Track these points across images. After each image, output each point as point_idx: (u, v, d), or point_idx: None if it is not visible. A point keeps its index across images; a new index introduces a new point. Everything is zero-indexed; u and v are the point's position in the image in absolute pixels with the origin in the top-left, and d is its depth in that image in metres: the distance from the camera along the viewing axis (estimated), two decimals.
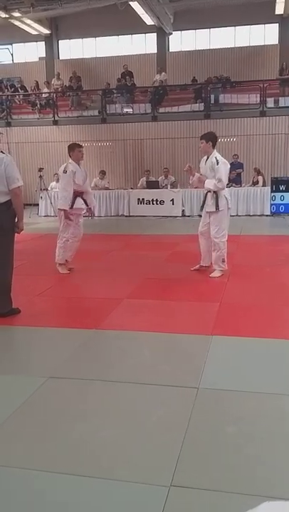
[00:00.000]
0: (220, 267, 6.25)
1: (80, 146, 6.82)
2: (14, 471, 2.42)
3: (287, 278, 6.25)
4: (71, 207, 6.51)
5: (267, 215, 13.21)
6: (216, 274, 6.22)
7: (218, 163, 6.07)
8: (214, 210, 6.12)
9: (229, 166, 6.16)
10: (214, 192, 6.09)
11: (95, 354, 3.93)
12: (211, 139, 6.17)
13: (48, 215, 14.66)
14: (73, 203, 6.54)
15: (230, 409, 2.99)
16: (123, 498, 2.20)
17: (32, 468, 2.43)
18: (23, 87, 19.58)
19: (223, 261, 6.22)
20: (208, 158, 6.21)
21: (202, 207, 6.39)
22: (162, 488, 2.24)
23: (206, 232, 6.34)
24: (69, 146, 6.81)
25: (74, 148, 6.71)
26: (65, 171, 6.58)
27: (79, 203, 6.69)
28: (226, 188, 6.25)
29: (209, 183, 6.13)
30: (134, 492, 2.24)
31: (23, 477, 2.37)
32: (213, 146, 6.17)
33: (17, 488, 2.29)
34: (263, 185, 13.87)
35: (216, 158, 6.12)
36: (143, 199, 13.89)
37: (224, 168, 6.14)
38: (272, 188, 13.13)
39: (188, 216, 13.34)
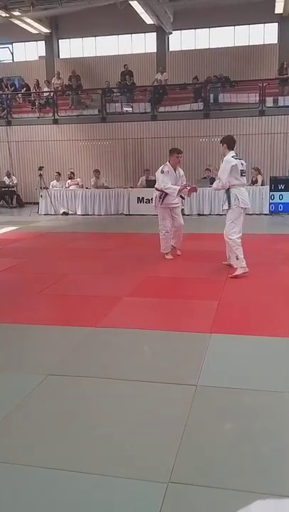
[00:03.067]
0: (236, 265, 6.29)
1: (179, 152, 7.44)
2: (13, 467, 2.44)
3: (286, 277, 6.27)
4: (161, 203, 7.31)
5: (266, 214, 13.23)
6: (236, 272, 6.22)
7: (222, 163, 6.31)
8: (227, 207, 6.31)
9: (232, 164, 6.15)
10: (226, 191, 6.26)
11: (93, 352, 3.95)
12: (226, 141, 6.43)
13: (48, 214, 14.68)
14: (163, 199, 7.28)
15: (229, 406, 3.01)
16: (122, 494, 2.22)
17: (31, 464, 2.45)
18: (26, 85, 19.58)
19: (237, 258, 6.25)
20: None
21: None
22: (160, 485, 2.26)
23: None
24: (170, 151, 7.53)
25: (172, 154, 7.38)
26: (162, 171, 7.27)
27: (169, 199, 7.29)
28: (241, 188, 6.32)
29: (214, 184, 6.52)
30: (132, 488, 2.26)
31: (23, 473, 2.39)
32: (229, 148, 6.34)
33: (16, 484, 2.32)
34: (261, 185, 13.88)
35: (224, 158, 6.37)
36: (143, 198, 13.89)
37: (224, 166, 6.23)
38: (271, 187, 13.15)
39: (188, 215, 13.34)
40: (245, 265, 6.23)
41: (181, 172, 7.41)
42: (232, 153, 6.30)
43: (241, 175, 6.27)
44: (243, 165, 6.35)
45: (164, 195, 7.20)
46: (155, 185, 7.41)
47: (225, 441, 2.63)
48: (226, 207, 6.35)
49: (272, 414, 2.91)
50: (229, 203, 6.24)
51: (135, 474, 2.35)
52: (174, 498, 2.18)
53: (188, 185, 7.37)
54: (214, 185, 6.49)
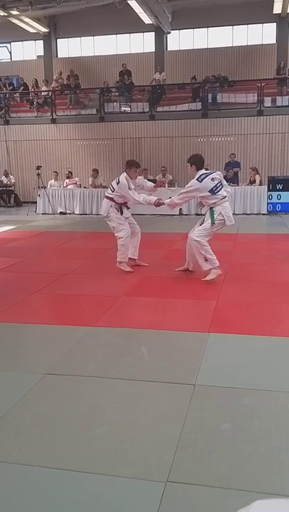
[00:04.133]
0: (206, 268, 5.86)
1: (138, 167, 6.85)
2: (13, 466, 2.44)
3: (284, 276, 6.28)
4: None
5: (264, 214, 13.24)
6: (209, 276, 5.85)
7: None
8: (210, 224, 5.87)
9: (196, 187, 5.78)
10: (209, 209, 5.90)
11: (91, 351, 3.94)
12: (193, 162, 5.99)
13: (46, 213, 14.67)
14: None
15: (227, 405, 3.01)
16: (120, 493, 2.22)
17: (30, 464, 2.44)
18: (24, 85, 19.55)
19: (206, 259, 5.81)
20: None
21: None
22: (159, 484, 2.25)
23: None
24: (128, 163, 6.75)
25: (131, 167, 6.64)
26: (129, 188, 6.49)
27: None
28: (225, 203, 5.90)
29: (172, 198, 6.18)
30: (131, 487, 2.25)
31: (21, 473, 2.39)
32: (198, 169, 5.92)
33: (15, 484, 2.31)
34: (260, 184, 13.90)
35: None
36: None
37: (187, 188, 5.95)
38: (269, 187, 13.17)
39: (186, 215, 13.36)
40: (217, 263, 5.84)
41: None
42: (201, 172, 5.89)
43: (215, 191, 5.80)
44: (214, 180, 5.84)
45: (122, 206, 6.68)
46: (111, 194, 6.66)
47: (223, 441, 2.63)
48: (207, 223, 5.89)
49: (270, 413, 2.91)
50: (213, 221, 5.83)
51: (133, 473, 2.35)
52: (172, 497, 2.18)
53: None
54: (169, 199, 6.18)
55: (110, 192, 6.70)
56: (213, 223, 5.84)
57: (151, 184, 6.95)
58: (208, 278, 5.83)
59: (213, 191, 5.80)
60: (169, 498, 2.17)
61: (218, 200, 5.85)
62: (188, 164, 6.06)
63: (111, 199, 6.65)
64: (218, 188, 5.84)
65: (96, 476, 2.33)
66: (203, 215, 6.19)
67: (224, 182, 6.08)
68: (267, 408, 2.97)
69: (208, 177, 5.85)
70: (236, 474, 2.33)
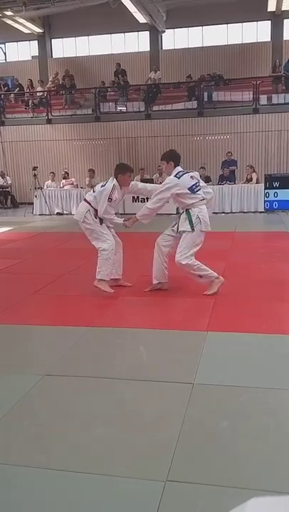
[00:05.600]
0: (205, 282, 5.39)
1: (132, 171, 5.92)
2: (12, 468, 2.44)
3: (283, 274, 6.28)
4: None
5: (261, 212, 13.25)
6: (211, 290, 5.34)
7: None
8: (189, 229, 5.24)
9: (173, 184, 5.21)
10: (186, 211, 5.31)
11: (90, 351, 3.95)
12: (170, 158, 5.40)
13: (42, 214, 14.66)
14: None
15: (225, 404, 3.01)
16: (120, 493, 2.22)
17: (29, 465, 2.44)
18: (19, 85, 19.53)
19: (201, 277, 5.33)
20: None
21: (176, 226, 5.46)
22: (158, 483, 2.25)
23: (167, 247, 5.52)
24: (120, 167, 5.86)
25: (125, 172, 5.73)
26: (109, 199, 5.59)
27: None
28: (202, 206, 5.33)
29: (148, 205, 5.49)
30: (130, 487, 2.26)
31: (22, 474, 2.39)
32: (176, 165, 5.36)
33: (14, 485, 2.31)
34: (256, 182, 13.91)
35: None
36: (138, 197, 13.88)
37: (161, 188, 5.37)
38: (265, 184, 13.17)
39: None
40: (216, 274, 5.35)
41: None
42: (178, 169, 5.33)
43: (194, 190, 5.25)
44: (193, 178, 5.33)
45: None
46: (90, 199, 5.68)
47: (222, 439, 2.63)
48: (185, 228, 5.27)
49: (269, 411, 2.91)
50: (192, 226, 5.21)
51: (133, 473, 2.35)
52: (172, 496, 2.18)
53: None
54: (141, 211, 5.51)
55: (90, 194, 5.74)
56: (192, 229, 5.22)
57: (153, 186, 5.97)
58: (210, 292, 5.31)
59: (192, 190, 5.24)
60: (168, 497, 2.17)
61: (197, 201, 5.27)
62: (164, 162, 5.47)
63: (89, 203, 5.62)
64: (197, 188, 5.29)
65: (96, 476, 2.34)
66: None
67: (203, 183, 5.53)
68: (265, 406, 2.98)
69: (186, 174, 5.32)
70: (235, 472, 2.34)
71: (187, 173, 5.36)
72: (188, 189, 5.23)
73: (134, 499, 2.18)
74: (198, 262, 5.28)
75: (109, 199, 5.49)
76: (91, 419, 2.87)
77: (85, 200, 5.76)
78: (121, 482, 2.29)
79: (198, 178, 5.47)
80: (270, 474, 2.33)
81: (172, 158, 5.40)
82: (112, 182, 5.61)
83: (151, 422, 2.81)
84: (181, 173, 5.30)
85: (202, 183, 5.50)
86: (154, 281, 5.53)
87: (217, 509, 2.13)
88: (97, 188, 5.76)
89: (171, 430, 2.69)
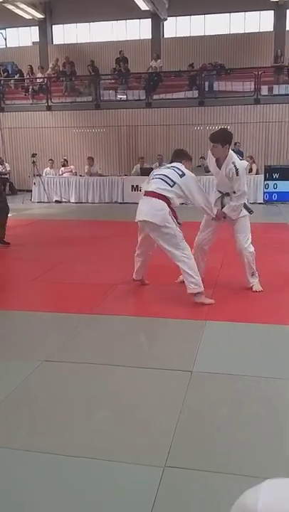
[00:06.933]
0: (252, 283, 5.08)
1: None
2: (12, 452, 2.45)
3: (281, 265, 6.29)
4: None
5: (260, 203, 13.22)
6: (257, 287, 5.07)
7: (237, 174, 4.71)
8: (247, 213, 4.98)
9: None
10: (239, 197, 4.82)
11: (89, 338, 3.95)
12: (227, 140, 4.71)
13: (41, 201, 14.61)
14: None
15: (224, 392, 3.03)
16: (119, 478, 2.24)
17: (29, 449, 2.46)
18: (19, 71, 19.37)
19: (253, 274, 5.08)
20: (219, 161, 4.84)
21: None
22: (157, 469, 2.27)
23: (208, 243, 5.20)
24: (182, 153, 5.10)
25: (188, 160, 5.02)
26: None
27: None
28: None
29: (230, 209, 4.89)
30: (129, 473, 2.27)
31: (22, 458, 2.40)
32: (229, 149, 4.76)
33: (17, 469, 2.32)
34: (256, 174, 13.87)
35: (234, 165, 4.71)
36: (137, 186, 13.84)
37: (241, 171, 4.75)
38: (265, 176, 13.15)
39: (183, 204, 13.32)
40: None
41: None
42: (232, 153, 4.83)
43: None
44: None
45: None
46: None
47: (220, 426, 2.65)
48: (243, 214, 4.94)
49: (266, 399, 2.93)
50: (249, 209, 5.05)
51: (132, 458, 2.36)
52: (170, 482, 2.20)
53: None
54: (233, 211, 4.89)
55: (165, 187, 4.58)
56: (251, 211, 5.06)
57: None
58: (257, 288, 5.05)
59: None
60: (167, 482, 2.19)
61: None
62: (219, 145, 4.67)
63: (168, 201, 4.57)
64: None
65: (95, 461, 2.35)
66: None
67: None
68: (263, 394, 3.00)
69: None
70: (233, 459, 2.36)
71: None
72: None
73: (133, 484, 2.20)
74: None
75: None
76: (90, 406, 2.88)
77: (157, 195, 4.57)
78: (120, 467, 2.31)
79: None
80: (267, 461, 2.34)
81: (228, 140, 4.72)
82: (183, 166, 4.80)
83: (149, 409, 2.83)
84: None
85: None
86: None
87: (214, 494, 2.14)
88: (172, 176, 4.64)
89: (169, 417, 2.70)
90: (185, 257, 4.54)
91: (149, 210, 4.58)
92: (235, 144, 15.10)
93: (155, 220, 4.52)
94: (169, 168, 4.80)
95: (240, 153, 14.79)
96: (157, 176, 4.72)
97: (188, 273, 4.51)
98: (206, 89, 16.80)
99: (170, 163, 4.98)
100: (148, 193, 4.66)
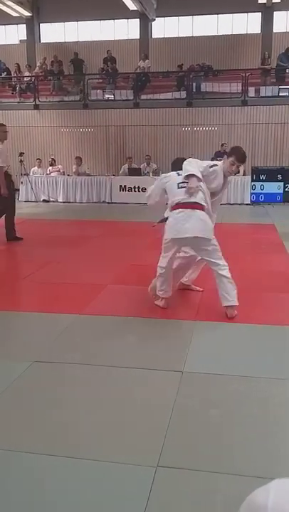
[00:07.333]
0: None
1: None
2: (3, 453, 2.45)
3: (268, 265, 6.35)
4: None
5: (247, 204, 13.31)
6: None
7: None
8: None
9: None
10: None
11: (79, 339, 3.96)
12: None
13: (28, 201, 14.54)
14: None
15: (214, 392, 3.05)
16: (111, 478, 2.25)
17: (19, 450, 2.46)
18: (6, 69, 19.25)
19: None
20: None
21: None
22: (149, 469, 2.29)
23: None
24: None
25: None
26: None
27: None
28: None
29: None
30: (122, 473, 2.29)
31: (13, 459, 2.40)
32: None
33: (7, 470, 2.32)
34: (243, 175, 13.95)
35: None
36: (125, 186, 13.86)
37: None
38: (252, 177, 13.23)
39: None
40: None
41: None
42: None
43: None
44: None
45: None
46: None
47: (211, 426, 2.68)
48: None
49: (257, 399, 2.96)
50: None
51: (124, 459, 2.38)
52: (163, 481, 2.21)
53: None
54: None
55: (201, 197, 4.28)
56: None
57: None
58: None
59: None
60: (159, 482, 2.21)
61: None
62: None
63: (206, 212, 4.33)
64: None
65: (86, 461, 2.36)
66: None
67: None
68: (253, 394, 3.03)
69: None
70: (225, 458, 2.38)
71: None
72: None
73: (126, 484, 2.21)
74: None
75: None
76: (81, 406, 2.89)
77: (201, 207, 4.25)
78: (112, 467, 2.32)
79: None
80: (258, 461, 2.37)
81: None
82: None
83: (141, 409, 2.84)
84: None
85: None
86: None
87: (206, 494, 2.17)
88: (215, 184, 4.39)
89: (161, 417, 2.72)
90: (227, 267, 4.38)
91: (199, 224, 4.19)
92: (222, 145, 15.19)
93: (208, 235, 4.25)
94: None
95: (221, 155, 14.87)
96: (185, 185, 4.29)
97: (231, 283, 4.35)
98: (194, 90, 16.86)
99: (174, 171, 4.59)
100: (190, 205, 4.21)
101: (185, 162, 4.45)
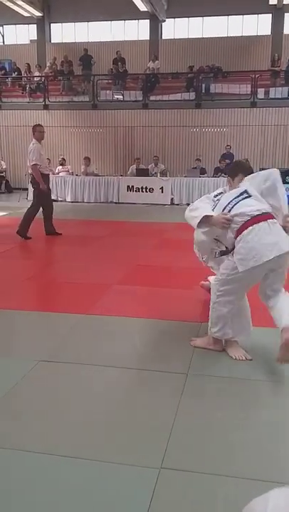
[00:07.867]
0: None
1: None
2: (8, 452, 2.45)
3: None
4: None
5: None
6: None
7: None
8: None
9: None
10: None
11: (85, 339, 3.95)
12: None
13: None
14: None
15: (219, 394, 3.04)
16: (114, 479, 2.24)
17: (24, 449, 2.46)
18: (17, 69, 19.34)
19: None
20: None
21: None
22: (153, 470, 2.28)
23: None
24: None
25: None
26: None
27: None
28: None
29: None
30: (125, 474, 2.28)
31: (18, 459, 2.40)
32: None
33: (11, 470, 2.32)
34: None
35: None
36: (132, 186, 13.89)
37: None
38: None
39: (177, 204, 13.37)
40: None
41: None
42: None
43: None
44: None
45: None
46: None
47: (215, 429, 2.66)
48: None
49: (263, 402, 2.95)
50: None
51: (128, 460, 2.37)
52: (166, 483, 2.20)
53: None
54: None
55: (265, 207, 3.48)
56: None
57: None
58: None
59: None
60: (162, 484, 2.20)
61: None
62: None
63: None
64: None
65: (90, 462, 2.35)
66: None
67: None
68: (260, 397, 3.01)
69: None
70: (229, 461, 2.37)
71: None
72: None
73: (129, 486, 2.21)
74: None
75: None
76: (86, 407, 2.88)
77: (270, 216, 3.42)
78: (115, 469, 2.31)
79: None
80: (264, 464, 2.36)
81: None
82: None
83: (145, 411, 2.83)
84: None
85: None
86: None
87: (209, 496, 2.16)
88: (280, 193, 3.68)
89: (165, 419, 2.71)
90: None
91: (280, 238, 3.37)
92: (226, 146, 15.18)
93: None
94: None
95: (230, 156, 14.89)
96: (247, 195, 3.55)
97: None
98: (203, 91, 16.85)
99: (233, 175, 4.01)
100: (262, 217, 3.39)
101: (190, 211, 3.77)
